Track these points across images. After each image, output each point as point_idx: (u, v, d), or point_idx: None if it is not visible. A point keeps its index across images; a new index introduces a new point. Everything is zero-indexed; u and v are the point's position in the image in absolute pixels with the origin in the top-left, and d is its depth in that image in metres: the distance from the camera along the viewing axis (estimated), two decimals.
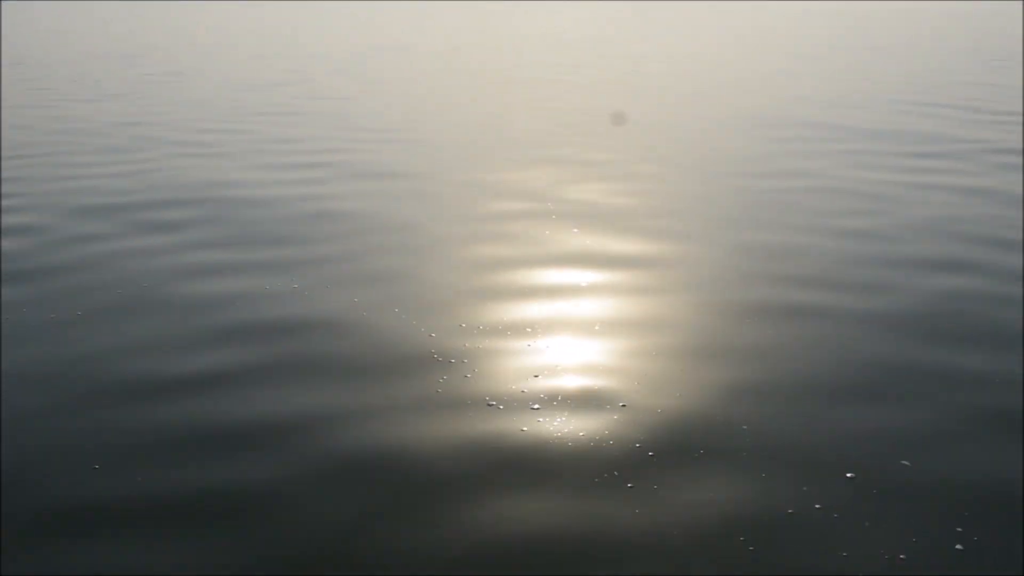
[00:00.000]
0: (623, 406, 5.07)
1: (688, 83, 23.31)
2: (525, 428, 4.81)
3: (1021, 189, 10.90)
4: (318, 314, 6.65)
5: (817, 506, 4.13)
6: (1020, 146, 14.01)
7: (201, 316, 6.64)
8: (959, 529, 3.98)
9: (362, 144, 14.41)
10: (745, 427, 4.83)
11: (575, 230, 8.91)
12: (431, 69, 27.47)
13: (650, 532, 3.91)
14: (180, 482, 4.33)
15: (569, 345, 5.94)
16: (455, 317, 6.49)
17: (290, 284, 7.35)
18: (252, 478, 4.36)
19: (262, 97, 20.89)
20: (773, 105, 19.00)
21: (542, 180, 11.37)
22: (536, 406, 5.06)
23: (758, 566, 3.70)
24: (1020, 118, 17.20)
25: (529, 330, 6.23)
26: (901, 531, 3.98)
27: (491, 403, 5.08)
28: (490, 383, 5.36)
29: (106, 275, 7.62)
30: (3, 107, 19.09)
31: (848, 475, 4.41)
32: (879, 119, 16.97)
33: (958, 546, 3.82)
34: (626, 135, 15.07)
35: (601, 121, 16.68)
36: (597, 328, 6.30)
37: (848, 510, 4.12)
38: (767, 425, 4.88)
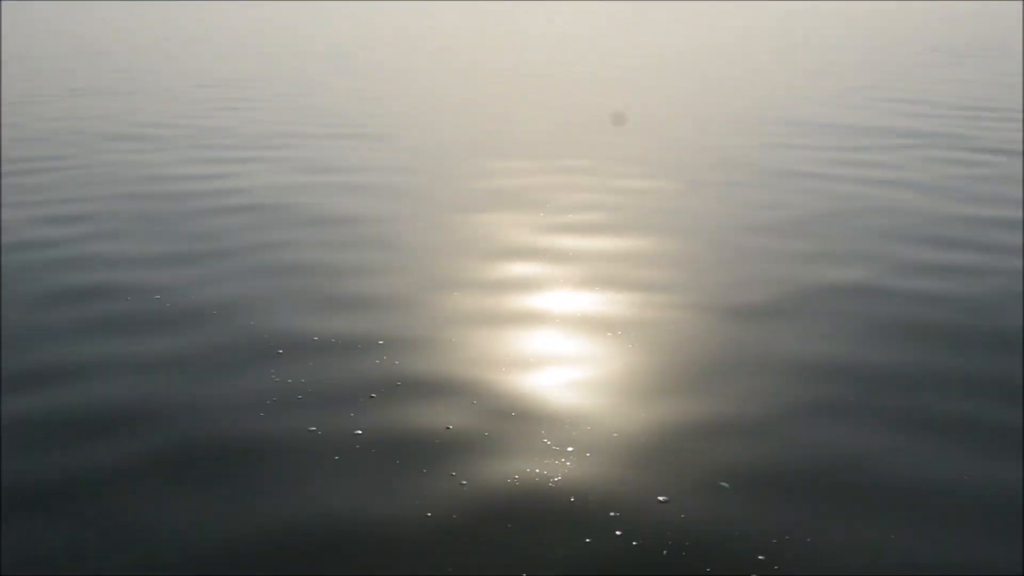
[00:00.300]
0: (448, 428, 4.73)
1: (679, 82, 23.02)
2: (337, 457, 4.48)
3: (947, 182, 10.52)
4: (187, 307, 6.55)
5: (639, 499, 3.90)
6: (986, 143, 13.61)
7: (71, 308, 6.55)
8: (775, 518, 3.86)
9: (317, 139, 14.19)
10: (571, 448, 4.48)
11: (499, 224, 8.56)
12: (428, 68, 27.22)
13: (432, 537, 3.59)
14: (26, 471, 4.30)
15: (416, 357, 5.58)
16: (313, 321, 6.16)
17: (171, 276, 7.24)
18: (91, 467, 4.33)
19: (242, 93, 20.67)
20: (765, 103, 18.67)
21: (505, 175, 11.01)
22: (359, 431, 4.73)
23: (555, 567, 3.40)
24: (1019, 115, 16.81)
25: (382, 342, 5.88)
26: (713, 520, 3.87)
27: (311, 428, 4.75)
28: (320, 401, 5.02)
29: None
30: None
31: (669, 467, 4.28)
32: (848, 114, 16.58)
33: (787, 526, 3.51)
34: (610, 132, 14.73)
35: (595, 119, 16.35)
36: (454, 340, 5.95)
37: (669, 503, 3.98)
38: (596, 423, 4.57)
